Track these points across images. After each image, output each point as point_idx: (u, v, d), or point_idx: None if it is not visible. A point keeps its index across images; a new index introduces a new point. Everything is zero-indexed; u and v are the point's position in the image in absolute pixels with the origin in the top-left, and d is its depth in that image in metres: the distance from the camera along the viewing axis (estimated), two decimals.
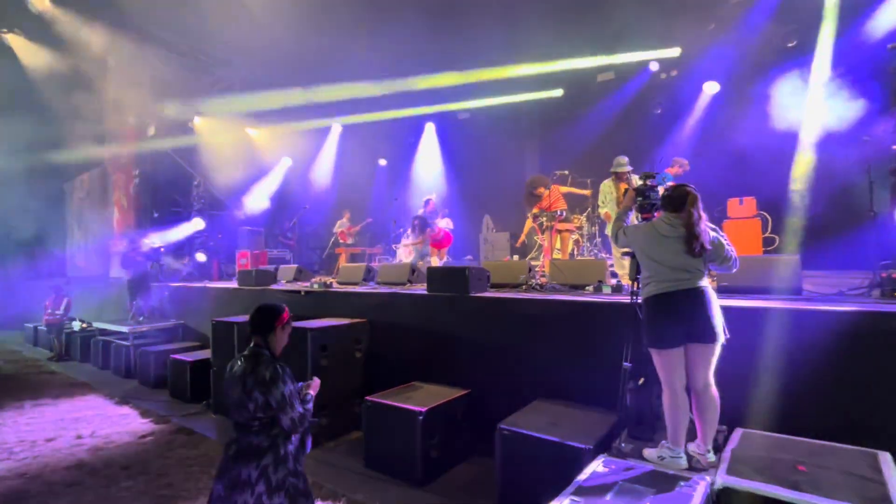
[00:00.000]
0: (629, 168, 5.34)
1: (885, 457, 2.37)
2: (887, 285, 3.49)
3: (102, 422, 5.15)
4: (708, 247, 2.53)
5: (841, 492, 2.05)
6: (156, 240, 9.21)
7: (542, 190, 6.56)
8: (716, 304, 2.54)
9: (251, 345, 2.14)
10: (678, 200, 2.62)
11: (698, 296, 2.52)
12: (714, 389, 2.55)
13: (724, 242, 2.59)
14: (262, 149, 12.11)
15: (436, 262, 6.96)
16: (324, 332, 4.56)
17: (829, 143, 5.98)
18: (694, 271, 2.55)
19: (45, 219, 13.99)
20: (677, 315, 2.51)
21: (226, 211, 11.38)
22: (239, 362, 2.08)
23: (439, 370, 4.46)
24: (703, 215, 2.58)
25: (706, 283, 2.58)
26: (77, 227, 14.46)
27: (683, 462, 2.51)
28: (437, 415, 3.67)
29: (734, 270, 2.67)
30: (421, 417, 3.52)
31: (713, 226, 2.65)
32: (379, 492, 3.44)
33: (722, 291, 3.59)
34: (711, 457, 2.52)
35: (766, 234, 6.14)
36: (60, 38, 9.01)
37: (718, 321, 2.51)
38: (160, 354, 6.64)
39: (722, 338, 2.50)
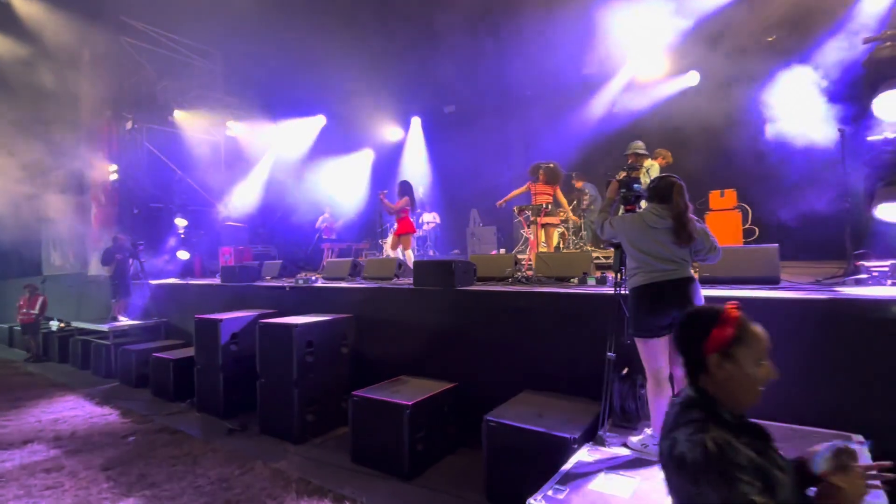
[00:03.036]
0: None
1: (857, 439, 2.44)
2: (861, 274, 3.60)
3: (82, 423, 5.03)
4: (695, 236, 2.56)
5: None
6: (137, 237, 8.99)
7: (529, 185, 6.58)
8: (700, 294, 2.58)
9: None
10: (665, 191, 2.64)
11: (685, 286, 2.55)
12: None
13: (708, 233, 2.63)
14: (245, 143, 11.89)
15: (407, 254, 6.72)
16: (309, 329, 4.51)
17: (805, 135, 6.10)
18: (680, 262, 2.58)
19: (18, 216, 13.54)
20: (664, 305, 2.54)
21: (207, 207, 11.16)
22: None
23: (427, 364, 4.45)
24: (690, 205, 2.61)
25: (692, 273, 2.62)
26: (52, 224, 14.02)
27: None
28: (424, 408, 3.67)
29: (717, 261, 2.72)
30: (407, 411, 3.52)
31: (696, 217, 2.68)
32: (366, 486, 3.43)
33: (703, 282, 3.64)
34: None
35: (747, 226, 6.26)
36: (32, 27, 8.71)
37: None
38: (142, 353, 6.50)
39: None
